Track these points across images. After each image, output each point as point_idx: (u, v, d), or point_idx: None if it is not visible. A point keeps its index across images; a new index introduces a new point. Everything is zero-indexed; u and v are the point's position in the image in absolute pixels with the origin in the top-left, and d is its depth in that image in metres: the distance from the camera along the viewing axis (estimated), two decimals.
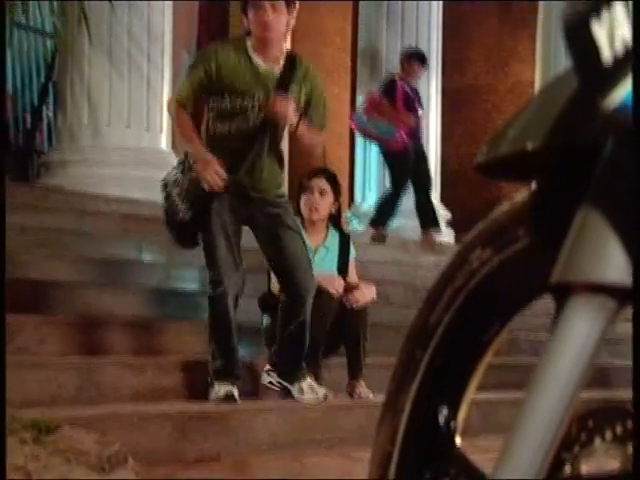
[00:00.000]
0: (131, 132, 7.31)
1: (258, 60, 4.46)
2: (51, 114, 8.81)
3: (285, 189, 4.72)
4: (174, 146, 7.66)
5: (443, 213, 9.77)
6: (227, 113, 4.43)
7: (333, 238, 5.02)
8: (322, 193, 4.92)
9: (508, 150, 0.89)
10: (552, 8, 10.80)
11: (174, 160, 7.62)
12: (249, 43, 4.46)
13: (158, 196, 7.00)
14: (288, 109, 4.35)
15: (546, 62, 10.95)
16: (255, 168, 4.45)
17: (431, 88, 10.18)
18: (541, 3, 11.22)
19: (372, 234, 8.77)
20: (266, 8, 4.35)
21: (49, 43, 8.98)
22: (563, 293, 0.83)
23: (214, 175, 4.30)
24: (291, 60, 4.52)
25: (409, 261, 8.11)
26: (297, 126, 4.44)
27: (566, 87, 0.85)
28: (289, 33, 4.62)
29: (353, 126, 9.17)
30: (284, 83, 4.44)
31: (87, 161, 7.22)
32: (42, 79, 9.24)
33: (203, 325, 4.58)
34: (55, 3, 5.99)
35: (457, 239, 9.33)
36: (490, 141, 0.92)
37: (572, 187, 0.88)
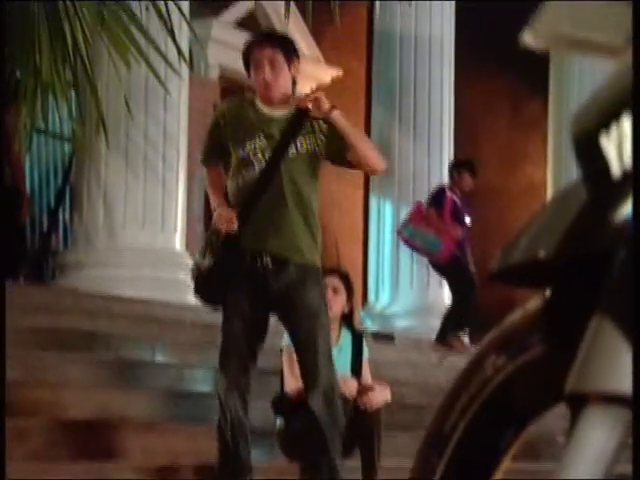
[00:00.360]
0: (145, 233, 7.37)
1: (263, 107, 4.24)
2: (67, 216, 8.90)
3: (317, 258, 4.24)
4: (188, 246, 7.71)
5: None
6: (235, 167, 4.22)
7: (346, 338, 4.97)
8: (335, 291, 4.88)
9: (521, 258, 0.91)
10: (562, 110, 10.94)
11: (188, 260, 7.66)
12: (258, 95, 4.28)
13: (172, 296, 7.00)
14: (320, 96, 4.08)
15: (557, 163, 11.05)
16: (267, 222, 4.15)
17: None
18: (551, 105, 11.37)
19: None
20: (264, 67, 4.15)
21: (67, 146, 9.13)
22: (578, 402, 0.83)
23: (228, 220, 4.10)
24: (300, 111, 4.19)
25: (423, 362, 8.06)
26: (331, 111, 4.08)
27: (577, 197, 0.87)
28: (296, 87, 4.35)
29: (399, 237, 9.05)
30: (293, 127, 4.16)
31: (102, 262, 7.27)
32: (59, 181, 9.36)
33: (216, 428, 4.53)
34: (74, 107, 6.12)
35: (471, 340, 9.29)
36: (503, 249, 0.94)
37: (584, 295, 0.89)
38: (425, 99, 10.39)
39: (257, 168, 4.16)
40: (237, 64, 10.19)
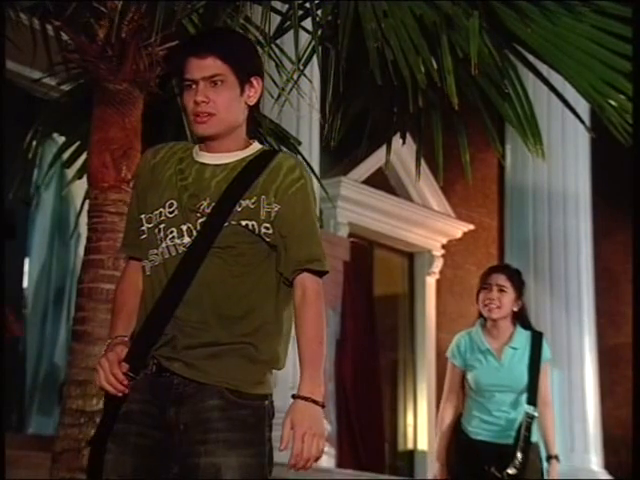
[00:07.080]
0: None
1: (200, 157, 2.60)
2: None
3: (266, 385, 2.51)
4: None
5: None
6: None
7: (520, 336, 4.79)
8: (501, 290, 4.74)
9: None
10: None
11: None
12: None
13: None
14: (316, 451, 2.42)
15: None
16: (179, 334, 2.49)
17: (584, 345, 9.83)
18: None
19: None
20: (198, 86, 2.52)
21: None
22: None
23: (109, 376, 2.49)
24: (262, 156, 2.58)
25: None
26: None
27: None
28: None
29: None
30: (231, 193, 2.50)
31: None
32: None
33: None
34: None
35: None
36: None
37: None
38: (561, 253, 10.10)
39: (161, 247, 2.54)
40: (366, 221, 10.15)
